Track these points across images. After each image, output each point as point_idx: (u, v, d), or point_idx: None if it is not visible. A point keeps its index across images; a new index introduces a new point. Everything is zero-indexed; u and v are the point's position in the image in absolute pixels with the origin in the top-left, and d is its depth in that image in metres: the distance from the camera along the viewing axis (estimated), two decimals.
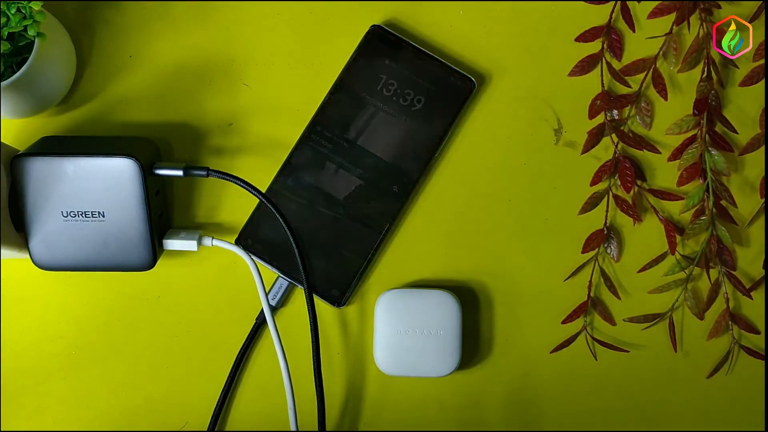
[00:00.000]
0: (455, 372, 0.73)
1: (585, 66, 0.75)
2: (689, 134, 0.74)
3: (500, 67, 0.75)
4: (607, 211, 0.75)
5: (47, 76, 0.71)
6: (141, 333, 0.75)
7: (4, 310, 0.75)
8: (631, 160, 0.74)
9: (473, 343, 0.75)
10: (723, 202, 0.74)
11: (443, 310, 0.73)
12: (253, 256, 0.72)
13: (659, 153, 0.74)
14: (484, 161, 0.75)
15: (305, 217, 0.74)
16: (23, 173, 0.68)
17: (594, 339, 0.75)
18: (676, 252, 0.74)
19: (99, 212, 0.69)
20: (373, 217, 0.74)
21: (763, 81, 0.74)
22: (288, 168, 0.75)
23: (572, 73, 0.75)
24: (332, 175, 0.74)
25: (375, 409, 0.75)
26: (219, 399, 0.74)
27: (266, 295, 0.72)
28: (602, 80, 0.75)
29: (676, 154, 0.74)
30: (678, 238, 0.74)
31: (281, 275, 0.74)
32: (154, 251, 0.70)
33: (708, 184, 0.73)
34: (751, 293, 0.74)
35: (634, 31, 0.75)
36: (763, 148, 0.74)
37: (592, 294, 0.75)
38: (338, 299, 0.74)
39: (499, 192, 0.75)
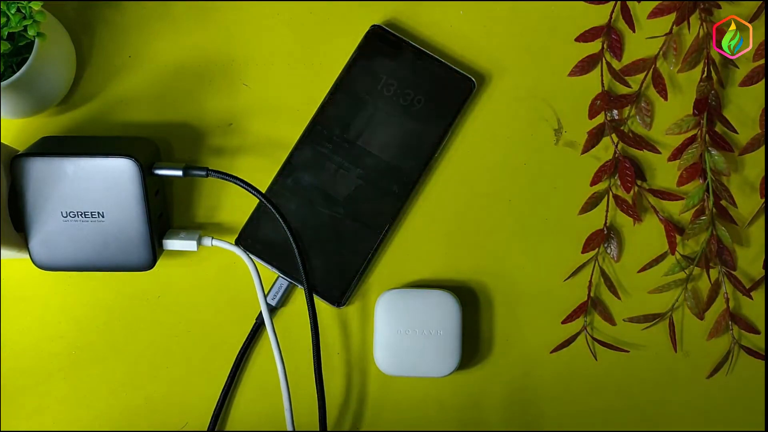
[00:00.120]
0: (455, 372, 0.73)
1: (585, 66, 0.75)
2: (689, 134, 0.74)
3: (500, 67, 0.75)
4: (607, 211, 0.75)
5: (47, 76, 0.71)
6: (141, 333, 0.75)
7: (4, 310, 0.75)
8: (631, 160, 0.74)
9: (473, 343, 0.75)
10: (723, 202, 0.74)
11: (443, 310, 0.72)
12: (252, 256, 0.72)
13: (659, 153, 0.74)
14: (484, 161, 0.75)
15: (305, 217, 0.74)
16: (23, 173, 0.68)
17: (594, 339, 0.75)
18: (676, 252, 0.73)
19: (99, 212, 0.69)
20: (373, 217, 0.74)
21: (763, 81, 0.74)
22: (288, 168, 0.74)
23: (572, 73, 0.75)
24: (332, 175, 0.74)
25: (375, 409, 0.75)
26: (219, 399, 0.74)
27: (265, 296, 0.72)
28: (602, 80, 0.75)
29: (676, 154, 0.74)
30: (678, 238, 0.74)
31: (281, 275, 0.74)
32: (154, 251, 0.70)
33: (708, 184, 0.73)
34: (751, 293, 0.74)
35: (634, 31, 0.75)
36: (763, 148, 0.74)
37: (592, 294, 0.75)
38: (338, 299, 0.74)
39: (499, 192, 0.75)
